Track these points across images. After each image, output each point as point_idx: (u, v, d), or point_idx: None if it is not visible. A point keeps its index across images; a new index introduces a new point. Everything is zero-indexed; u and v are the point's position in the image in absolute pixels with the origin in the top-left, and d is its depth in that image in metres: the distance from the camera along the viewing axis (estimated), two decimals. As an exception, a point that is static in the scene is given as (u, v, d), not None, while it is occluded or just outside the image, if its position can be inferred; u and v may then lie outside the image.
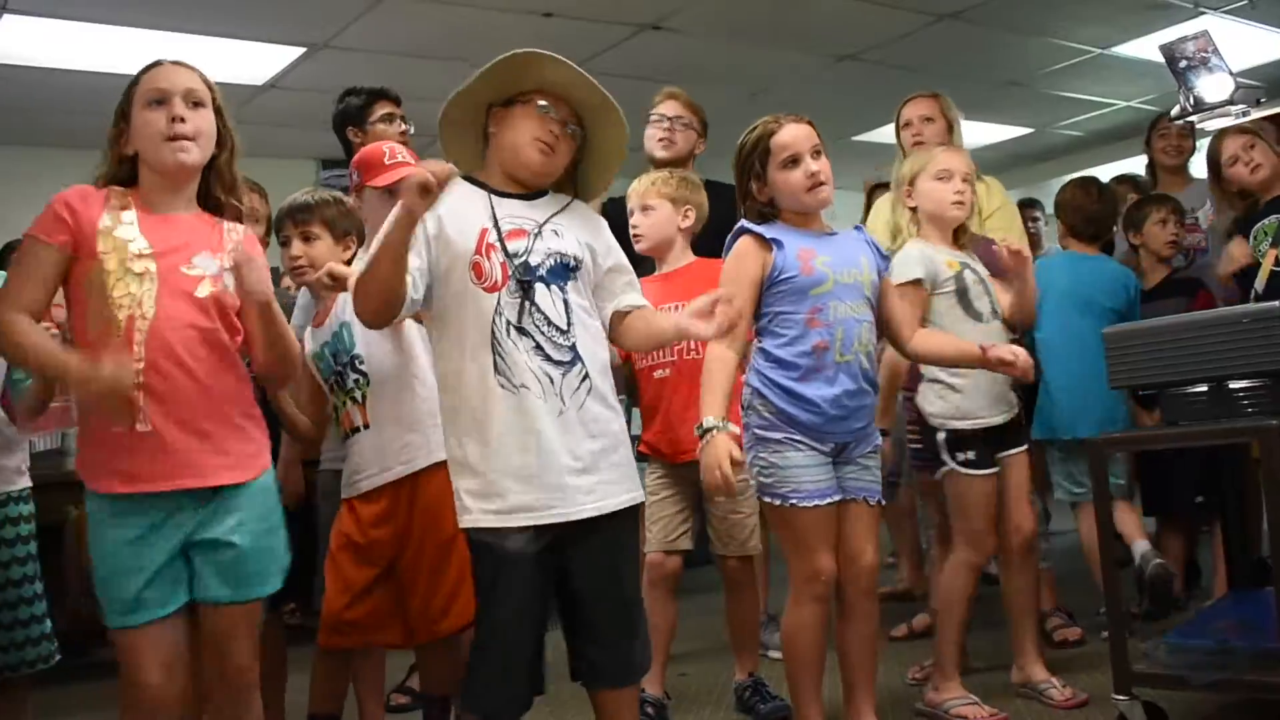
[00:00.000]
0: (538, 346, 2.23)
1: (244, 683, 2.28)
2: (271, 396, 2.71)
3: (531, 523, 2.19)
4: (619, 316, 2.40)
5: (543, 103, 2.28)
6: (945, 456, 3.04)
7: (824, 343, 2.61)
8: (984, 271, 3.12)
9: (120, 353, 2.07)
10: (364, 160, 3.06)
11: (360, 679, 2.96)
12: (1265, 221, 3.75)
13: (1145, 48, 6.08)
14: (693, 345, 3.00)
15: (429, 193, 2.04)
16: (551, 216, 2.32)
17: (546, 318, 2.24)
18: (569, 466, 2.22)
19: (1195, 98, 2.94)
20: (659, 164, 3.75)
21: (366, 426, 2.74)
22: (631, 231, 3.24)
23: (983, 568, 3.13)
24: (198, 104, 2.25)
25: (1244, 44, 6.08)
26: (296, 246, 2.82)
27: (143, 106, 2.22)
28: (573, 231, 2.33)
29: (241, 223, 2.38)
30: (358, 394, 2.75)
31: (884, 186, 4.05)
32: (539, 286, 2.24)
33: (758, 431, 2.66)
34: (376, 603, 2.72)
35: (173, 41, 4.96)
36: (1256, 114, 2.99)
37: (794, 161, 2.64)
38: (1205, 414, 2.68)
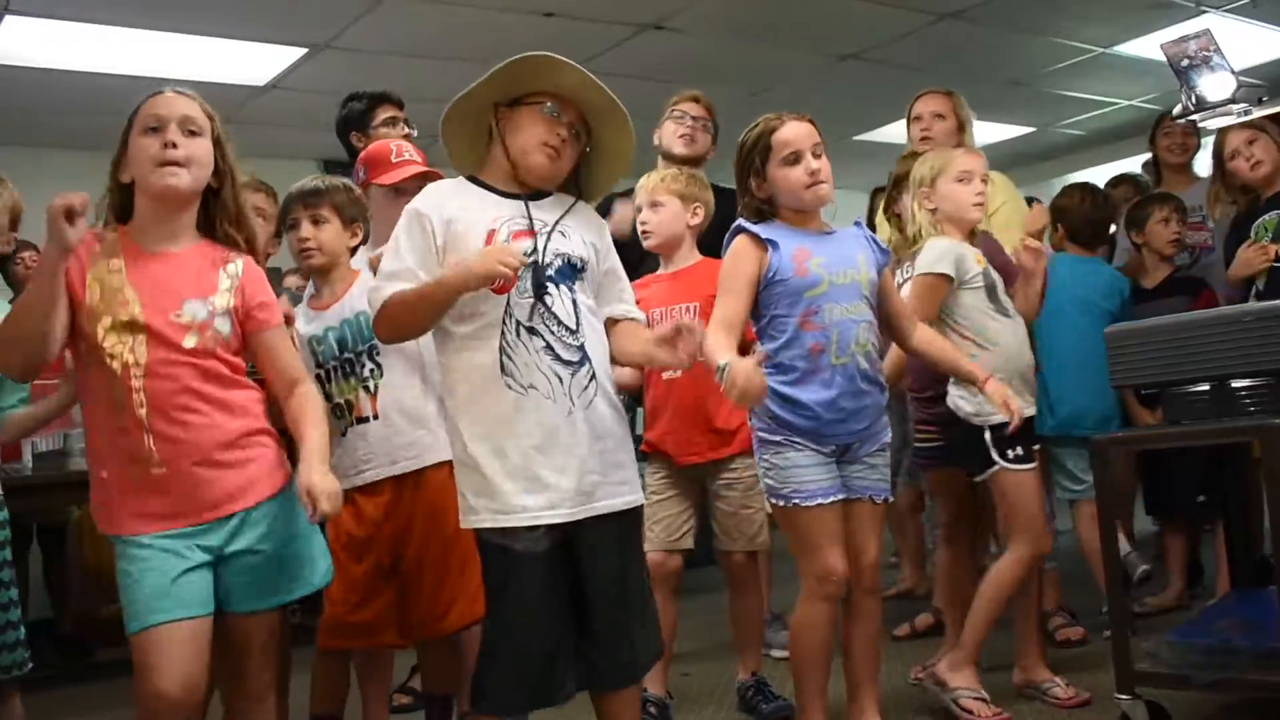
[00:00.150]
0: (548, 346, 2.23)
1: (263, 690, 2.28)
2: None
3: (538, 522, 2.19)
4: (609, 323, 2.41)
5: (549, 105, 2.28)
6: (995, 455, 2.98)
7: (819, 345, 2.60)
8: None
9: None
10: (370, 158, 3.07)
11: (366, 678, 2.96)
12: (1265, 218, 3.74)
13: (1147, 47, 6.07)
14: None
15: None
16: (560, 218, 2.32)
17: (556, 318, 2.24)
18: (575, 467, 2.22)
19: (1197, 97, 2.93)
20: (675, 160, 3.76)
21: (376, 417, 2.75)
22: (640, 228, 3.25)
23: (1042, 561, 3.09)
24: (194, 132, 2.23)
25: (1246, 43, 6.07)
26: (305, 229, 2.82)
27: (139, 133, 2.22)
28: (578, 232, 2.34)
29: (254, 254, 2.37)
30: (371, 384, 2.76)
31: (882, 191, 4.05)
32: (549, 287, 2.25)
33: (760, 434, 2.67)
34: (379, 604, 2.73)
35: (174, 42, 4.97)
36: (1258, 113, 2.99)
37: (795, 159, 2.64)
38: (1207, 413, 2.68)
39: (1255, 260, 3.71)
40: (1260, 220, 3.75)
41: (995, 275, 3.08)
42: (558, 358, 2.23)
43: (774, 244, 2.63)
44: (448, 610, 2.68)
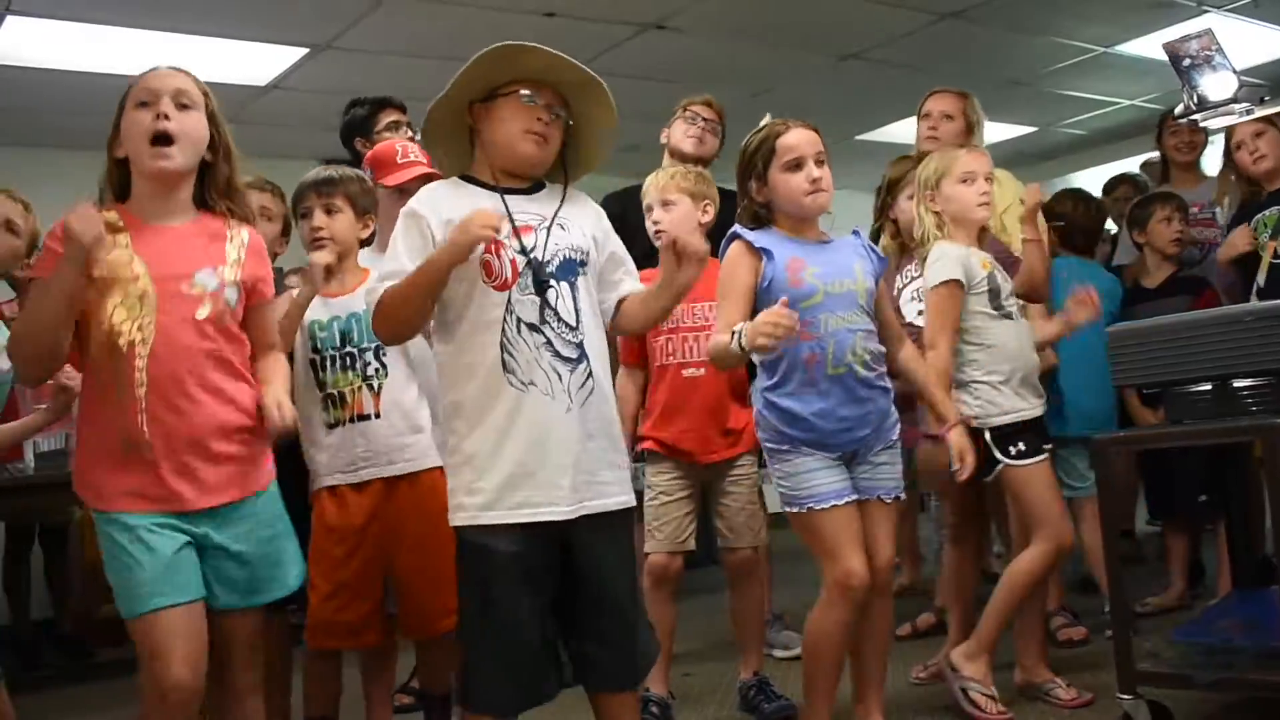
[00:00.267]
0: (548, 343, 2.22)
1: (246, 689, 2.28)
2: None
3: (534, 519, 2.18)
4: (619, 304, 2.40)
5: (525, 92, 2.25)
6: (997, 454, 2.99)
7: (814, 356, 2.60)
8: (1004, 276, 3.11)
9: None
10: (377, 158, 3.08)
11: (370, 679, 2.96)
12: (1266, 213, 3.75)
13: (1149, 46, 6.06)
14: None
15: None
16: (558, 210, 2.31)
17: (557, 314, 2.24)
18: (571, 465, 2.21)
19: (1199, 96, 2.93)
20: (684, 159, 3.77)
21: (378, 415, 2.75)
22: (653, 227, 3.25)
23: (1065, 556, 3.07)
24: (186, 106, 2.24)
25: (1247, 42, 6.06)
26: (318, 218, 2.82)
27: (133, 107, 2.23)
28: (577, 224, 2.33)
29: (250, 224, 2.39)
30: (375, 382, 2.76)
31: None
32: (550, 282, 2.24)
33: (769, 446, 2.68)
34: (365, 605, 2.73)
35: (175, 42, 4.96)
36: (1260, 112, 2.98)
37: (797, 165, 2.64)
38: (1209, 413, 2.68)
39: (1240, 243, 3.74)
40: (1260, 216, 3.75)
41: (1001, 279, 3.07)
42: (558, 354, 2.22)
43: (768, 253, 2.62)
44: (446, 610, 2.68)
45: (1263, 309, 2.69)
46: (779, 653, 3.89)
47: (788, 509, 2.66)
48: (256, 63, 5.55)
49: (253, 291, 2.35)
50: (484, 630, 2.22)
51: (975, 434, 2.99)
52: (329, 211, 2.82)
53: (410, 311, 2.21)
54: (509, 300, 2.21)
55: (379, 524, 2.72)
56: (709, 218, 3.26)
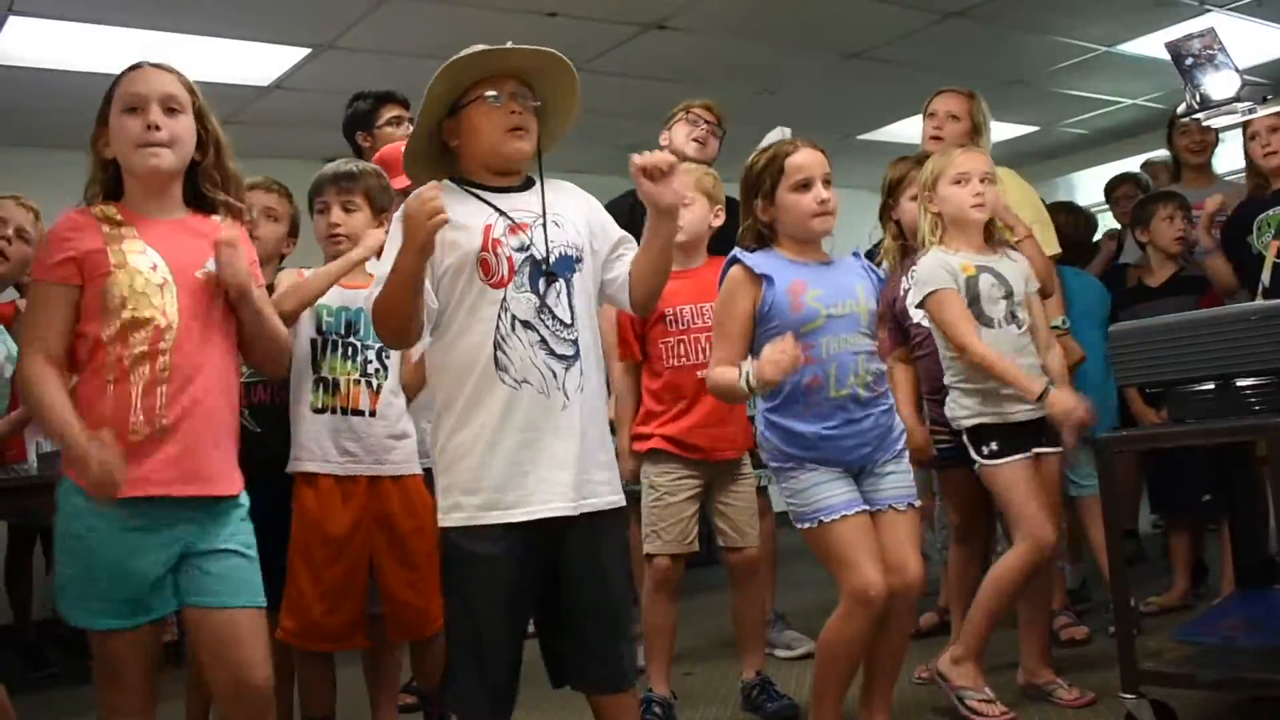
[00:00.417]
0: (542, 340, 2.22)
1: (263, 696, 2.22)
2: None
3: (531, 517, 2.17)
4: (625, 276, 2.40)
5: (490, 94, 2.24)
6: (973, 454, 3.03)
7: (816, 380, 2.59)
8: (1014, 274, 3.10)
9: (114, 447, 2.04)
10: (384, 160, 3.10)
11: (375, 680, 2.96)
12: (1270, 212, 3.74)
13: (1151, 45, 6.05)
14: None
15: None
16: (550, 205, 2.30)
17: (552, 312, 2.24)
18: (567, 462, 2.20)
19: (1201, 95, 2.93)
20: (686, 162, 3.76)
21: (373, 414, 2.75)
22: None
23: (1048, 556, 3.06)
24: (175, 110, 2.23)
25: (1250, 41, 6.05)
26: (336, 214, 2.82)
27: (119, 111, 2.22)
28: (570, 219, 2.32)
29: (240, 220, 2.39)
30: (375, 381, 2.77)
31: None
32: (545, 280, 2.24)
33: (773, 465, 2.67)
34: (350, 607, 2.72)
35: (178, 43, 4.96)
36: (1263, 111, 2.99)
37: (806, 185, 2.64)
38: (1212, 412, 2.67)
39: (1211, 205, 3.88)
40: (1263, 215, 3.75)
41: (988, 284, 3.06)
42: (552, 352, 2.22)
43: (769, 279, 2.62)
44: (435, 612, 2.67)
45: (1266, 308, 2.69)
46: (781, 652, 3.89)
47: (799, 525, 2.64)
48: (259, 63, 5.55)
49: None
50: (467, 636, 2.21)
51: (957, 434, 3.08)
52: (347, 209, 2.82)
53: (399, 313, 2.18)
54: (504, 297, 2.21)
55: (365, 526, 2.72)
56: (719, 221, 3.27)
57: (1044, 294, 3.29)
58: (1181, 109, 3.03)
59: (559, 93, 2.34)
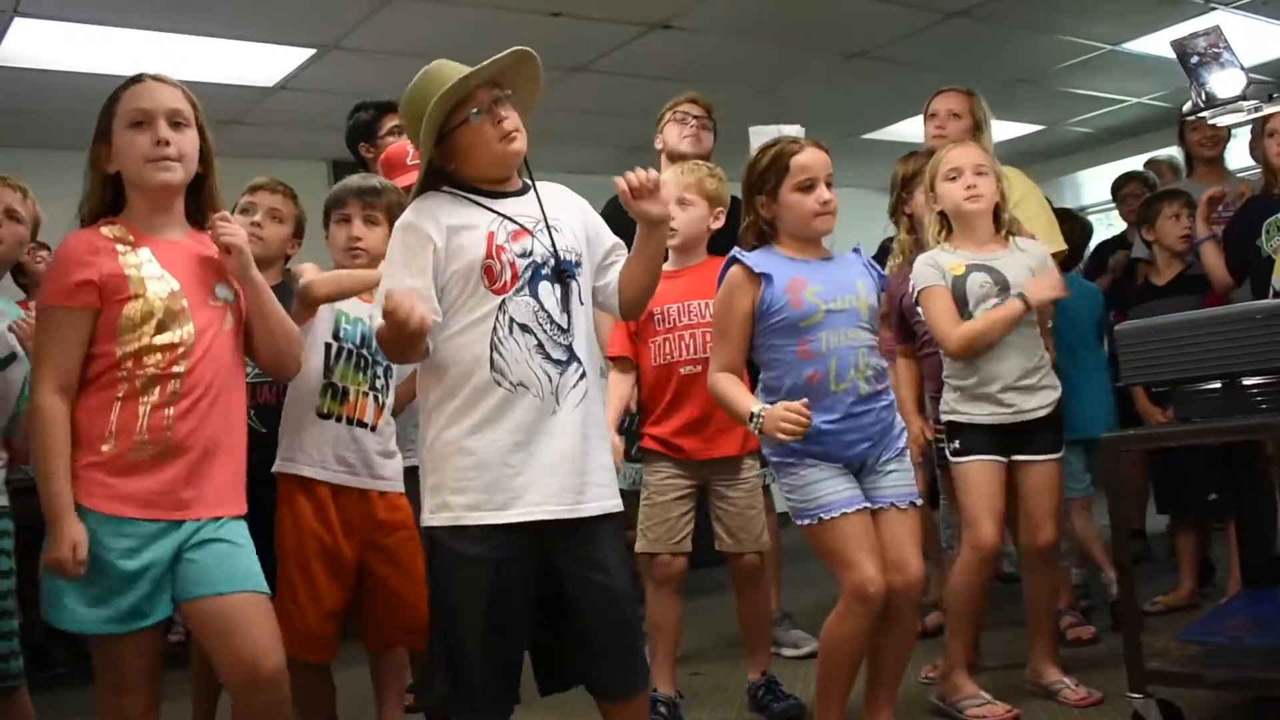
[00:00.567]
0: (539, 345, 2.22)
1: (274, 680, 2.17)
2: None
3: (524, 519, 2.17)
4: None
5: (475, 111, 2.23)
6: (945, 448, 3.13)
7: (816, 374, 2.61)
8: (1016, 267, 3.10)
9: (79, 537, 2.09)
10: (387, 160, 3.11)
11: (381, 680, 2.96)
12: (1278, 216, 3.73)
13: (1156, 44, 6.04)
14: None
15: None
16: (547, 210, 2.30)
17: (550, 316, 2.24)
18: (562, 466, 2.20)
19: (1207, 94, 2.92)
20: (682, 157, 3.75)
21: (374, 429, 2.76)
22: None
23: (987, 561, 3.09)
24: (180, 124, 2.23)
25: (1255, 39, 6.04)
26: (358, 228, 2.83)
27: (125, 127, 2.21)
28: (569, 223, 2.33)
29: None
30: (380, 397, 2.78)
31: None
32: (544, 285, 2.24)
33: (774, 460, 2.68)
34: (341, 616, 2.73)
35: (181, 44, 4.97)
36: (1269, 109, 2.98)
37: (810, 186, 2.65)
38: (1218, 411, 2.67)
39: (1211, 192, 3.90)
40: (1273, 218, 3.73)
41: (972, 284, 3.08)
42: (548, 356, 2.22)
43: (768, 278, 2.63)
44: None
45: (1272, 306, 2.68)
46: (788, 651, 3.88)
47: (798, 522, 2.65)
48: (264, 63, 5.55)
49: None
50: (446, 636, 2.20)
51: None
52: (369, 223, 2.83)
53: (401, 357, 2.28)
54: (503, 302, 2.21)
55: (357, 536, 2.72)
56: (718, 224, 3.26)
57: None
58: (1187, 107, 3.03)
59: (524, 78, 2.32)
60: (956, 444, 3.09)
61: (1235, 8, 5.83)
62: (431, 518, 2.21)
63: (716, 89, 4.08)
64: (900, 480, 2.68)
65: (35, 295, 4.20)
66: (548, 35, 5.00)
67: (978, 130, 3.75)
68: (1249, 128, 3.98)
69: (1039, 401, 3.07)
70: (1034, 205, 3.66)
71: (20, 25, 4.74)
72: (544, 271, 2.25)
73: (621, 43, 5.66)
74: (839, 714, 2.68)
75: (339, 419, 2.73)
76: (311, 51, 5.43)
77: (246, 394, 2.39)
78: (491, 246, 2.22)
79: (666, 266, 3.28)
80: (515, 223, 2.26)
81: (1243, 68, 2.89)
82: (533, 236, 2.26)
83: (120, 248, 2.19)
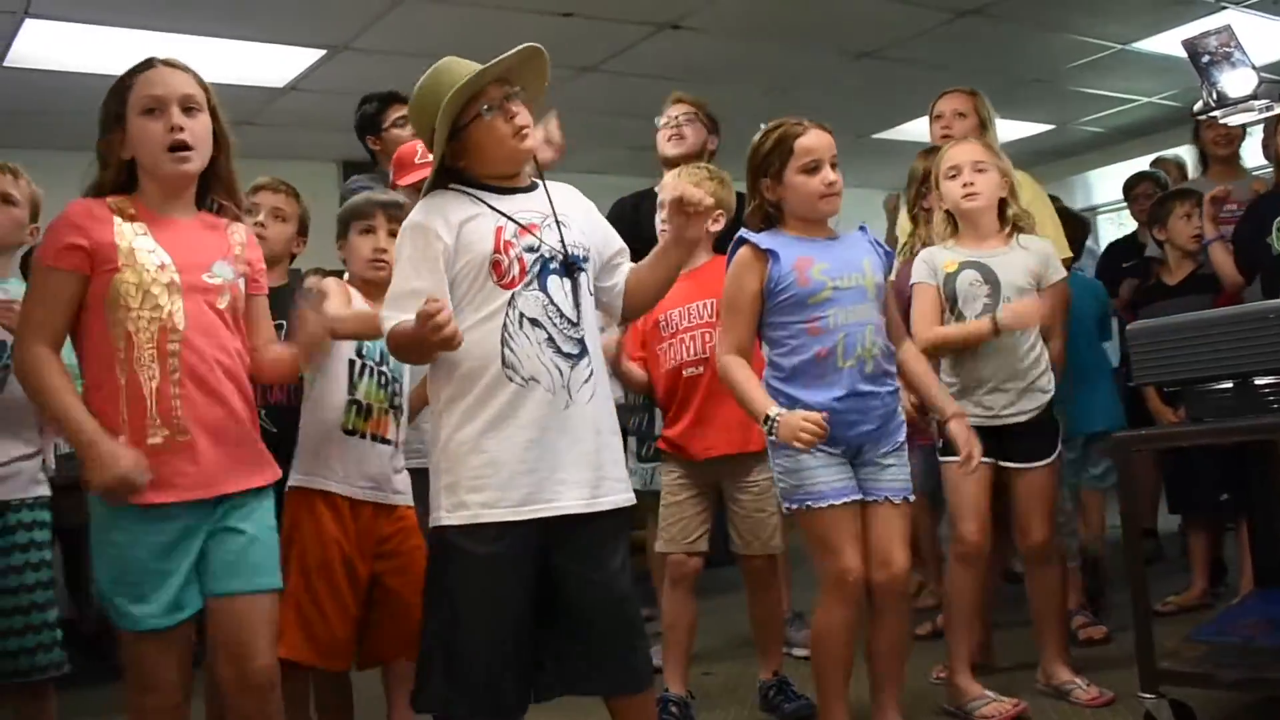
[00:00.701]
0: (550, 339, 2.22)
1: (267, 682, 2.21)
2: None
3: (537, 515, 2.17)
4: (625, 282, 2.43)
5: (485, 108, 2.24)
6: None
7: (825, 350, 2.61)
8: (1012, 266, 3.09)
9: (138, 449, 2.08)
10: (397, 159, 3.11)
11: (392, 681, 2.96)
12: None
13: (1167, 43, 6.04)
14: None
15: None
16: (555, 206, 2.31)
17: (560, 310, 2.24)
18: (575, 460, 2.21)
19: (1218, 93, 2.92)
20: (674, 161, 3.75)
21: (396, 446, 2.78)
22: (662, 228, 3.24)
23: (973, 559, 3.10)
24: (193, 109, 2.23)
25: (1267, 38, 6.03)
26: (384, 239, 2.82)
27: (139, 113, 2.21)
28: (577, 221, 2.34)
29: (240, 223, 2.40)
30: (398, 415, 2.80)
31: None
32: (553, 279, 2.25)
33: (772, 439, 2.66)
34: (355, 624, 2.72)
35: (191, 45, 4.98)
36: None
37: (815, 167, 2.65)
38: (1230, 411, 2.66)
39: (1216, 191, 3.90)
40: (1280, 218, 3.72)
41: (963, 282, 3.09)
42: (559, 350, 2.23)
43: (775, 255, 2.64)
44: None
45: (1284, 306, 2.67)
46: (799, 651, 3.87)
47: (785, 504, 2.69)
48: (274, 64, 5.57)
49: (251, 282, 2.37)
50: (448, 636, 2.19)
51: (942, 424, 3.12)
52: (394, 235, 2.83)
53: (414, 360, 2.31)
54: (513, 296, 2.22)
55: (371, 552, 2.72)
56: (719, 226, 3.25)
57: None
58: (1198, 107, 3.02)
59: (532, 74, 2.32)
60: (941, 443, 3.08)
61: (1246, 7, 5.82)
62: (447, 517, 2.20)
63: (726, 89, 4.09)
64: (897, 475, 2.69)
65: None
66: (558, 35, 5.01)
67: (983, 128, 3.76)
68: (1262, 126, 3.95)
69: (1022, 406, 3.07)
70: (1040, 211, 3.67)
71: (31, 26, 4.77)
72: (553, 266, 2.25)
73: (632, 43, 5.67)
74: (840, 712, 2.69)
75: (363, 435, 2.73)
76: (322, 52, 5.45)
77: (257, 395, 2.39)
78: (499, 242, 2.22)
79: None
80: (524, 218, 2.26)
81: (1254, 67, 2.88)
82: (541, 231, 2.26)
83: (118, 220, 2.18)
